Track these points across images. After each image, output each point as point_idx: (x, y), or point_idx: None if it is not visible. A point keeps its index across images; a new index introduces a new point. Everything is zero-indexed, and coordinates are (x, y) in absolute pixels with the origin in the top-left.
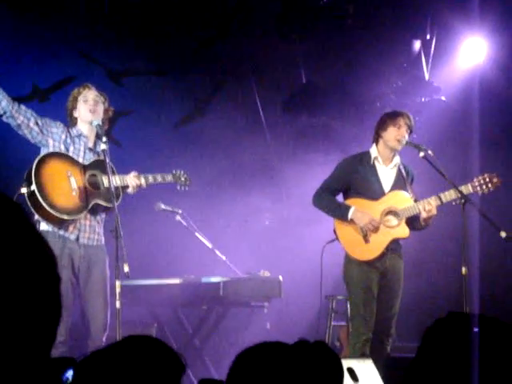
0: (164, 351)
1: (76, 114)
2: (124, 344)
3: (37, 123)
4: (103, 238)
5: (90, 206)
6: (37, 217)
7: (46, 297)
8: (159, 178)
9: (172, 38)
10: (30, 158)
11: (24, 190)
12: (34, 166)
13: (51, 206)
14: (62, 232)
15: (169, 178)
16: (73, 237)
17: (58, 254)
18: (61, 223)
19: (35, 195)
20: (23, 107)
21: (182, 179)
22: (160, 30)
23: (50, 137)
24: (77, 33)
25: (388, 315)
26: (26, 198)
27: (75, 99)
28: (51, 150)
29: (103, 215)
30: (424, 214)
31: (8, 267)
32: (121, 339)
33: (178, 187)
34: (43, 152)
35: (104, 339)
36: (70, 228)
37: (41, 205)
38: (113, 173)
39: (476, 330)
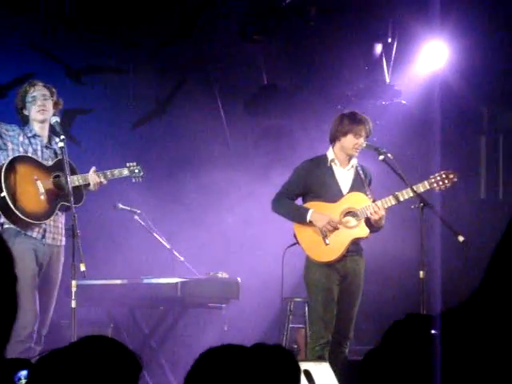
0: (121, 351)
1: (25, 112)
2: (81, 344)
3: None
4: (64, 239)
5: (58, 208)
6: (3, 219)
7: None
8: (116, 173)
9: (133, 36)
10: None
11: None
12: (2, 173)
13: (22, 212)
14: (28, 232)
15: (125, 172)
16: (39, 236)
17: (23, 249)
18: (29, 226)
19: (6, 202)
20: None
21: (136, 171)
22: (122, 28)
23: (9, 140)
24: (37, 29)
25: (347, 318)
26: None
27: (22, 98)
28: (10, 153)
29: (66, 214)
30: (373, 217)
31: None
32: (78, 339)
33: (133, 180)
34: (2, 156)
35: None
36: (36, 229)
37: (12, 211)
38: (73, 172)
39: (434, 331)
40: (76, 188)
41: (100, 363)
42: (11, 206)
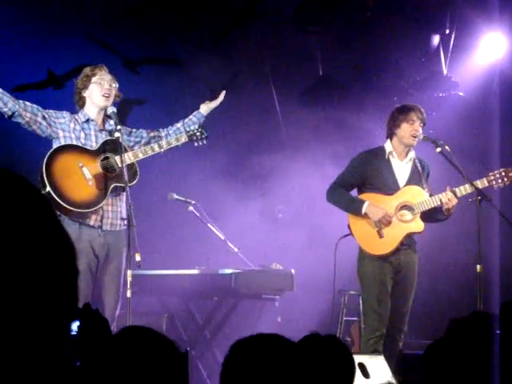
0: (162, 342)
1: (85, 93)
2: (123, 335)
3: (44, 117)
4: (124, 223)
5: (109, 191)
6: (58, 213)
7: (62, 290)
8: (173, 142)
9: (189, 27)
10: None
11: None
12: (43, 167)
13: (70, 203)
14: (85, 221)
15: (183, 137)
16: (96, 224)
17: (75, 239)
18: (83, 216)
19: (52, 196)
20: (28, 103)
21: (198, 134)
22: (177, 19)
23: (59, 128)
24: (93, 20)
25: (401, 311)
26: None
27: (88, 78)
28: (62, 141)
29: (123, 196)
30: (446, 206)
31: (26, 256)
32: (118, 330)
33: (196, 144)
34: (55, 144)
35: (112, 328)
36: (93, 216)
37: (60, 204)
38: (125, 151)
39: (498, 332)
40: (128, 167)
41: (141, 353)
42: (57, 199)
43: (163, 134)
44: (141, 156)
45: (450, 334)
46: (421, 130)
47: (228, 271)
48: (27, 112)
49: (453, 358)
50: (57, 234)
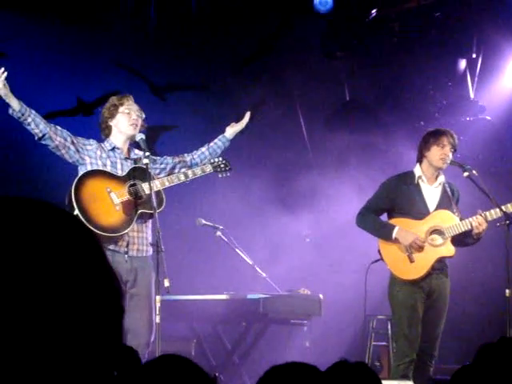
0: (194, 370)
1: (112, 122)
2: (156, 363)
3: (73, 142)
4: (151, 249)
5: (136, 217)
6: None
7: (108, 330)
8: (199, 172)
9: (216, 53)
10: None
11: None
12: (72, 191)
13: (97, 227)
14: (111, 247)
15: (208, 168)
16: (122, 250)
17: None
18: (110, 241)
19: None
20: (59, 127)
21: (222, 166)
22: (203, 45)
23: (86, 154)
24: (121, 47)
25: (432, 336)
26: None
27: (115, 108)
28: (89, 167)
29: (150, 223)
30: (476, 230)
31: (73, 295)
32: (154, 358)
33: (220, 175)
34: (81, 171)
35: (146, 356)
36: (120, 242)
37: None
38: (152, 179)
39: None
40: (155, 194)
41: (171, 382)
42: (85, 223)
43: (188, 159)
44: (167, 184)
45: (477, 360)
46: (451, 155)
47: (256, 296)
48: (57, 136)
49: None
50: (105, 272)
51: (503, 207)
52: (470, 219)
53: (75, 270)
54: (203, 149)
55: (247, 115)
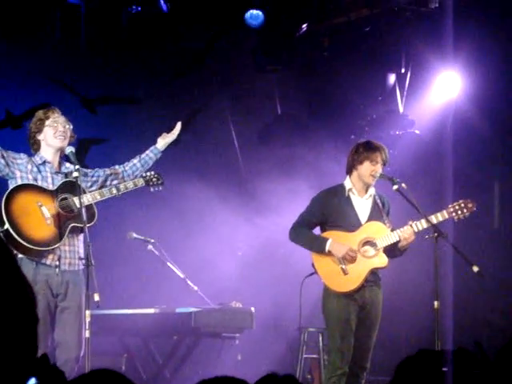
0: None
1: (40, 137)
2: (87, 378)
3: (3, 156)
4: (82, 263)
5: (68, 230)
6: (16, 252)
7: (22, 339)
8: (131, 185)
9: (148, 65)
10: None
11: None
12: (2, 205)
13: (29, 241)
14: (42, 261)
15: (140, 182)
16: (53, 264)
17: (31, 280)
18: (41, 254)
19: (10, 234)
20: None
21: (154, 179)
22: (135, 58)
23: (17, 168)
24: (51, 60)
25: (365, 348)
26: (3, 237)
27: (41, 122)
28: (19, 181)
29: (81, 236)
30: (404, 242)
31: None
32: (85, 373)
33: (152, 189)
34: (11, 185)
35: (76, 370)
36: (50, 256)
37: (18, 242)
38: (83, 192)
39: (445, 369)
40: (87, 208)
41: None
42: (16, 237)
43: (120, 171)
44: (99, 198)
45: (397, 374)
46: (380, 170)
47: (187, 310)
48: None
49: None
50: (15, 281)
51: (433, 217)
52: (399, 231)
53: None
54: (135, 160)
55: (178, 125)
